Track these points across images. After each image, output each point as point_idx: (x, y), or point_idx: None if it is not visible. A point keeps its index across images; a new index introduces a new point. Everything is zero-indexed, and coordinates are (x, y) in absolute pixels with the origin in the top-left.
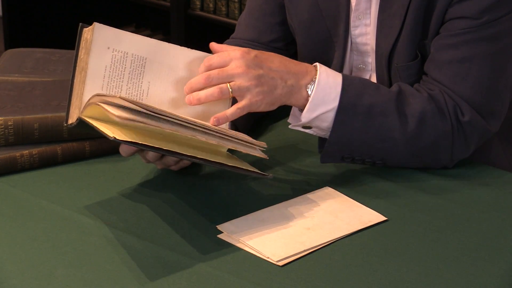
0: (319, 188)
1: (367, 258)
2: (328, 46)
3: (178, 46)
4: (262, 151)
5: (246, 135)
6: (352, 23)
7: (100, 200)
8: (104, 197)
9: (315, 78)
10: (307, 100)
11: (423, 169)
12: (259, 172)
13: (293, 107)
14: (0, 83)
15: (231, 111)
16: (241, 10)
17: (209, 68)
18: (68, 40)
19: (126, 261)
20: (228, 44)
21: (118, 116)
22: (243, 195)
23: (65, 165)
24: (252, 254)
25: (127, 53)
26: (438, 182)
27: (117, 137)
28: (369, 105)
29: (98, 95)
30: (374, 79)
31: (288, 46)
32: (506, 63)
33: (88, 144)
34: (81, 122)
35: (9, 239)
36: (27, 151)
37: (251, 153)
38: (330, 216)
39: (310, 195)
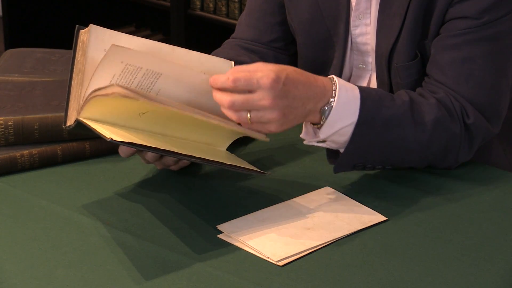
0: (319, 188)
1: (367, 258)
2: (329, 46)
3: (173, 46)
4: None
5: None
6: (352, 23)
7: (100, 200)
8: (104, 197)
9: (333, 95)
10: (320, 119)
11: (424, 169)
12: (258, 170)
13: (304, 122)
14: (0, 83)
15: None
16: (241, 10)
17: (235, 89)
18: (68, 40)
19: (126, 261)
20: (227, 45)
21: (116, 90)
22: (243, 195)
23: (65, 165)
24: (252, 254)
25: None
26: (438, 182)
27: (114, 138)
28: (387, 117)
29: (93, 91)
30: (374, 78)
31: (288, 46)
32: (507, 63)
33: (88, 144)
34: (79, 124)
35: (9, 239)
36: (27, 151)
37: (252, 136)
38: (330, 216)
39: (310, 195)
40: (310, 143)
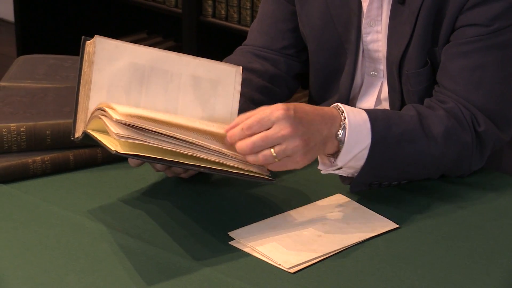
0: (330, 195)
1: (378, 266)
2: (340, 53)
3: (180, 54)
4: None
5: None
6: (363, 30)
7: (111, 206)
8: (116, 204)
9: (344, 120)
10: (338, 146)
11: (439, 177)
12: (265, 177)
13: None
14: (13, 90)
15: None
16: (253, 17)
17: (250, 133)
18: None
19: (137, 267)
20: (239, 52)
21: (116, 134)
22: (254, 201)
23: (77, 171)
24: (263, 261)
25: (129, 65)
26: (450, 189)
27: (118, 151)
28: (398, 134)
29: (99, 108)
30: (385, 86)
31: (299, 53)
32: None
33: (101, 151)
34: (86, 136)
35: (21, 245)
36: (39, 157)
37: (254, 175)
38: (341, 223)
39: (321, 202)
40: (328, 172)
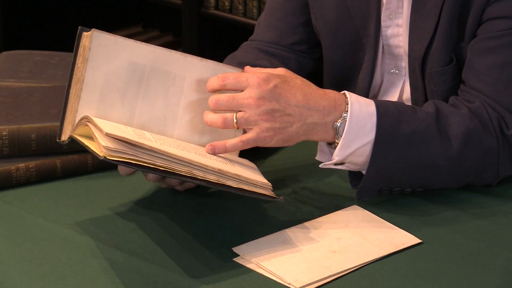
0: (346, 207)
1: (399, 285)
2: (358, 49)
3: (185, 54)
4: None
5: (252, 172)
6: (383, 23)
7: (103, 219)
8: (108, 216)
9: (346, 111)
10: (334, 137)
11: (464, 187)
12: (269, 195)
13: (319, 142)
14: None
15: (232, 143)
16: (260, 9)
17: (223, 87)
18: (70, 42)
19: (132, 287)
20: (245, 48)
21: (105, 147)
22: (261, 214)
23: (65, 179)
24: (271, 279)
25: (128, 64)
26: (478, 201)
27: (107, 157)
28: (408, 133)
29: (86, 119)
30: (407, 85)
31: (312, 50)
32: None
33: (91, 157)
34: (72, 140)
35: (4, 261)
36: (23, 164)
37: (257, 196)
38: (358, 238)
39: (336, 215)
40: (326, 167)
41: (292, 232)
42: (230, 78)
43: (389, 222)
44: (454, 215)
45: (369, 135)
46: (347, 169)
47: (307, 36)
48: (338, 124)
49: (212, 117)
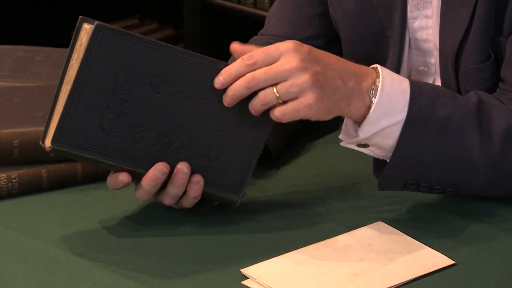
0: (369, 224)
1: None
2: (381, 42)
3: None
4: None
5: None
6: (409, 14)
7: (94, 236)
8: (99, 233)
9: (378, 82)
10: (368, 109)
11: (502, 200)
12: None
13: (345, 119)
14: None
15: (279, 112)
16: (271, 0)
17: (252, 67)
18: (57, 36)
19: None
20: (255, 43)
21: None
22: (273, 231)
23: (51, 191)
24: None
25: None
26: None
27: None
28: (444, 118)
29: None
30: (438, 84)
31: (329, 44)
32: None
33: (81, 166)
34: (54, 150)
35: None
36: (4, 174)
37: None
38: (383, 259)
39: (358, 232)
40: (348, 145)
41: (307, 252)
42: (258, 54)
43: (418, 240)
44: (491, 232)
45: (400, 114)
46: (372, 154)
47: (324, 29)
48: (372, 94)
49: (249, 107)
